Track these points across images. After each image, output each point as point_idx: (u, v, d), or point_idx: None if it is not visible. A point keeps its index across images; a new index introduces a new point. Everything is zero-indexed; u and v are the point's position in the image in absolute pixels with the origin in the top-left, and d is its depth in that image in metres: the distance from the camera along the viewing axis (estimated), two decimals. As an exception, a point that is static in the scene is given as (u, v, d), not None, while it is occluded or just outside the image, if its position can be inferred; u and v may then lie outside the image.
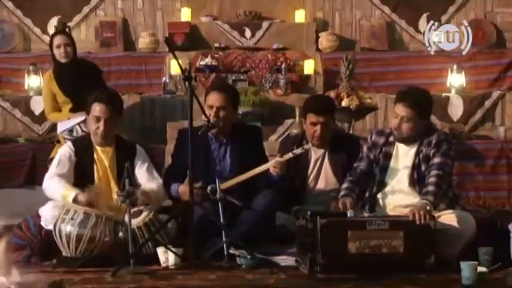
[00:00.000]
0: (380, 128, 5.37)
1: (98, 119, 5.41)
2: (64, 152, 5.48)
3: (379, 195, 5.17)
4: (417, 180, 5.06)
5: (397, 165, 5.14)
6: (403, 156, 5.14)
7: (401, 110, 5.08)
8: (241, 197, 5.27)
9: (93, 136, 5.47)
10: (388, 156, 5.17)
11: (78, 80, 6.56)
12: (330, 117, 5.63)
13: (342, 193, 5.16)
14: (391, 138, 5.20)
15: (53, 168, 5.42)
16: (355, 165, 5.28)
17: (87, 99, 5.60)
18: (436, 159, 5.01)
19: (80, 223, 5.03)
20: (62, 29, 7.61)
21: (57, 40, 6.80)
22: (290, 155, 5.33)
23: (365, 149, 5.28)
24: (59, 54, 6.76)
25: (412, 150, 5.11)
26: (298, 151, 5.35)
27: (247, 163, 5.43)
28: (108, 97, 5.52)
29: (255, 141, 5.65)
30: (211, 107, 5.48)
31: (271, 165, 5.35)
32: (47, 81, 6.93)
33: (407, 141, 5.13)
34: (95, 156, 5.45)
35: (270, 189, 5.37)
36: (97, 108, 5.41)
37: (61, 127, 6.59)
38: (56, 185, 5.30)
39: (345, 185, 5.21)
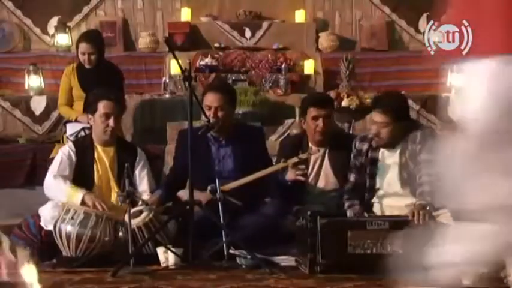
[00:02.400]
0: (363, 134, 5.39)
1: (107, 116, 5.41)
2: (65, 152, 5.48)
3: (375, 200, 5.18)
4: (407, 179, 5.06)
5: (384, 169, 5.14)
6: (389, 158, 5.14)
7: (377, 116, 5.11)
8: (241, 196, 5.27)
9: (101, 134, 5.45)
10: (374, 162, 5.18)
11: (99, 82, 6.41)
12: (331, 110, 5.63)
13: (346, 204, 5.20)
14: (374, 143, 5.20)
15: (55, 168, 5.42)
16: (347, 177, 5.30)
17: (89, 99, 5.61)
18: (424, 156, 4.99)
19: (80, 223, 5.03)
20: (89, 35, 7.19)
21: (82, 48, 6.74)
22: (295, 159, 5.33)
23: (352, 157, 5.29)
24: (83, 60, 6.74)
25: (397, 151, 5.11)
26: (303, 156, 5.36)
27: (250, 163, 5.43)
28: (115, 94, 5.56)
29: (257, 141, 5.65)
30: (209, 107, 5.48)
31: (275, 169, 5.36)
32: (68, 73, 6.92)
33: (388, 146, 5.13)
34: (96, 155, 5.46)
35: (279, 197, 5.42)
36: (106, 105, 5.42)
37: (70, 130, 6.60)
38: (61, 185, 5.30)
39: (345, 197, 5.25)
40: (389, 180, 5.12)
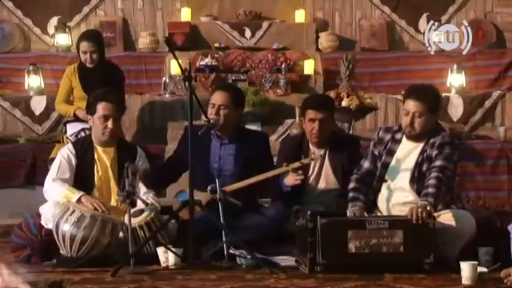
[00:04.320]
0: (389, 126, 5.37)
1: (106, 118, 5.40)
2: (65, 154, 5.45)
3: (380, 191, 5.17)
4: (417, 178, 5.07)
5: (399, 162, 5.14)
6: (408, 154, 5.14)
7: (411, 105, 5.09)
8: (240, 197, 5.26)
9: (100, 136, 5.44)
10: (391, 153, 5.18)
11: (100, 81, 6.39)
12: (329, 114, 5.61)
13: (350, 195, 5.18)
14: (397, 136, 5.21)
15: (54, 172, 5.41)
16: (361, 162, 5.30)
17: (89, 100, 5.60)
18: (438, 162, 5.00)
19: (75, 223, 5.01)
20: (89, 34, 7.26)
21: (83, 47, 6.73)
22: (297, 164, 5.32)
23: (371, 145, 5.30)
24: (84, 59, 6.73)
25: (417, 150, 5.11)
26: (306, 161, 5.36)
27: (251, 166, 5.41)
28: (115, 96, 5.55)
29: (262, 148, 5.59)
30: (213, 105, 5.48)
31: (277, 173, 5.36)
32: (69, 73, 6.91)
33: (419, 137, 5.12)
34: (96, 156, 5.45)
35: (281, 201, 5.42)
36: (105, 107, 5.40)
37: (70, 130, 6.59)
38: (59, 187, 5.29)
39: (351, 185, 5.22)
40: (401, 174, 5.12)
